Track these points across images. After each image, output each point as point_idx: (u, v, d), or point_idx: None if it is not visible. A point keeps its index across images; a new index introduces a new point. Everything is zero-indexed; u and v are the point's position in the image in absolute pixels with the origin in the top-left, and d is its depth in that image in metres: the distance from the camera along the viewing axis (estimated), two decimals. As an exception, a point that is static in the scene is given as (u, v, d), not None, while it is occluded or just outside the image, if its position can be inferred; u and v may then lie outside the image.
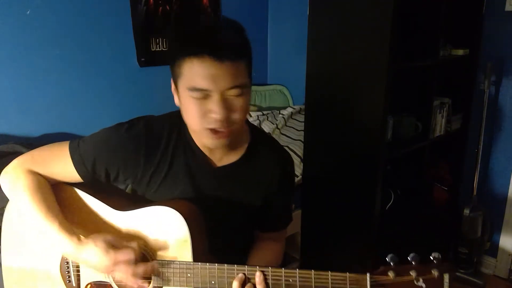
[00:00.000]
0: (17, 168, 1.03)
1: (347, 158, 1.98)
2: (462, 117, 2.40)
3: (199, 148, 1.03)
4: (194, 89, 0.89)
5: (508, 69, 2.27)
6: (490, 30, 2.27)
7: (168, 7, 2.46)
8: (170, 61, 0.94)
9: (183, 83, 0.91)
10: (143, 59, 2.39)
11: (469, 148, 2.44)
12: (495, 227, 2.44)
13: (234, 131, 0.95)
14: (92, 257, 0.94)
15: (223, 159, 1.06)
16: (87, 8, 2.14)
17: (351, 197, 1.99)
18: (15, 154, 1.74)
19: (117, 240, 0.96)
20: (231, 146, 1.05)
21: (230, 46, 0.88)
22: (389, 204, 2.17)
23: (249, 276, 0.92)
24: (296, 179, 2.27)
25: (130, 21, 2.31)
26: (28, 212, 0.99)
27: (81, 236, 0.99)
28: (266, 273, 0.91)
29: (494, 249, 2.46)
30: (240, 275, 0.91)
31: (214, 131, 0.93)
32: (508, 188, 2.37)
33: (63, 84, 2.14)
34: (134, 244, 0.95)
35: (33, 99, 2.06)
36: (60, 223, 0.98)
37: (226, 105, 0.90)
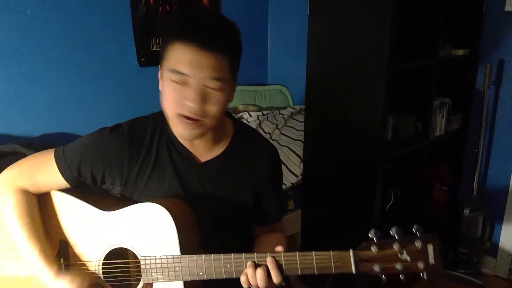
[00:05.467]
0: (5, 184, 1.03)
1: (347, 158, 1.98)
2: (462, 117, 2.40)
3: (181, 144, 1.04)
4: (175, 72, 0.90)
5: (508, 69, 2.27)
6: (490, 30, 2.27)
7: (168, 7, 2.46)
8: (160, 48, 0.96)
9: (166, 64, 0.93)
10: (143, 59, 2.39)
11: (469, 148, 2.44)
12: (495, 227, 2.44)
13: (206, 124, 0.95)
14: None
15: (206, 154, 1.07)
16: (87, 8, 2.14)
17: (351, 197, 1.99)
18: (15, 154, 1.74)
19: (95, 277, 0.98)
20: (213, 140, 1.05)
21: (218, 38, 0.90)
22: (389, 204, 2.17)
23: (236, 264, 0.93)
24: (296, 179, 2.27)
25: (130, 21, 2.32)
26: (13, 234, 1.00)
27: (60, 265, 1.00)
28: (252, 259, 0.92)
29: (494, 249, 2.46)
30: (249, 262, 0.92)
31: (185, 118, 0.93)
32: (508, 188, 2.37)
33: (63, 84, 2.14)
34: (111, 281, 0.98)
35: (33, 99, 2.06)
36: (40, 249, 0.99)
37: (203, 95, 0.91)
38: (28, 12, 1.97)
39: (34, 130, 2.08)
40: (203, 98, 0.92)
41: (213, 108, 0.94)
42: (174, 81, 0.91)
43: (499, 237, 2.44)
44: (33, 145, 1.84)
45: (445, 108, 2.24)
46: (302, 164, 2.25)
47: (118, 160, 1.02)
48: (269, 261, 0.91)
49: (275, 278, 0.91)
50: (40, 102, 2.08)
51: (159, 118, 1.05)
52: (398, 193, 2.21)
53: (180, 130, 0.96)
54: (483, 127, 2.30)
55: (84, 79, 2.21)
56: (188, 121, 0.93)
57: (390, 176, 2.07)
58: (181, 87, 0.91)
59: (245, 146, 1.10)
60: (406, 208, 2.20)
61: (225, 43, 0.91)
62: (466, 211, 2.29)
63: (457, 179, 2.50)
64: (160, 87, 0.99)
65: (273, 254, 0.92)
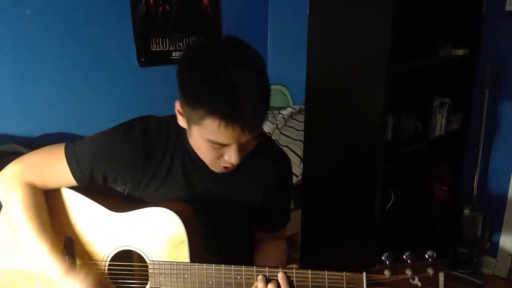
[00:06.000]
0: (13, 178, 1.01)
1: (347, 158, 1.98)
2: (462, 117, 2.40)
3: (197, 155, 1.01)
4: (215, 143, 0.88)
5: (508, 69, 2.27)
6: (490, 30, 2.27)
7: (168, 7, 2.46)
8: (184, 97, 0.87)
9: (201, 132, 0.88)
10: (143, 59, 2.39)
11: (469, 148, 2.44)
12: (495, 227, 2.44)
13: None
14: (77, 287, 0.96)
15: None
16: (87, 8, 2.15)
17: (351, 197, 1.99)
18: (15, 154, 1.74)
19: (105, 275, 0.99)
20: None
21: (260, 115, 0.87)
22: (389, 204, 2.17)
23: (246, 276, 0.92)
24: (296, 179, 2.27)
25: (130, 21, 2.32)
26: (20, 229, 0.99)
27: (70, 258, 1.00)
28: (264, 273, 0.92)
29: (494, 249, 2.47)
30: (261, 276, 0.92)
31: (225, 167, 0.96)
32: (508, 188, 2.37)
33: (63, 84, 2.14)
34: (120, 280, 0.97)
35: (33, 99, 2.06)
36: (50, 245, 0.97)
37: (242, 150, 0.91)
38: (28, 12, 1.97)
39: (34, 130, 2.08)
40: (243, 152, 0.92)
41: (248, 152, 0.95)
42: (213, 145, 0.89)
43: (499, 237, 2.44)
44: (33, 145, 1.84)
45: (445, 108, 2.24)
46: (302, 164, 2.25)
47: (132, 165, 1.01)
48: (280, 277, 0.91)
49: None
50: (40, 102, 2.08)
51: (175, 125, 1.00)
52: (398, 193, 2.21)
53: (216, 171, 0.99)
54: (483, 127, 2.30)
55: (84, 79, 2.21)
56: (227, 168, 0.96)
57: (390, 176, 2.07)
58: (221, 148, 0.90)
59: (258, 155, 1.07)
60: (406, 208, 2.20)
61: (264, 114, 0.88)
62: (466, 211, 2.30)
63: (457, 179, 2.50)
64: (181, 123, 0.95)
65: (285, 270, 0.91)
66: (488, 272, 2.49)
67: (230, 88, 0.81)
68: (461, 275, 2.36)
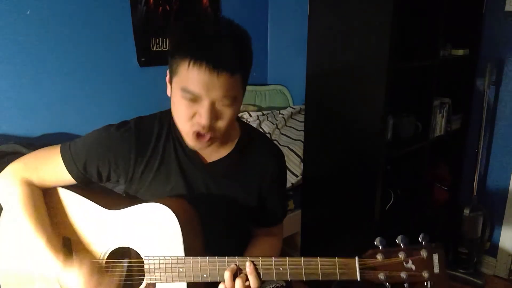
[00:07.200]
0: (11, 177, 1.03)
1: (347, 158, 1.98)
2: (462, 117, 2.40)
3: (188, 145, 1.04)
4: (186, 91, 0.90)
5: (508, 69, 2.27)
6: (490, 30, 2.27)
7: (168, 7, 2.46)
8: (169, 54, 0.95)
9: (177, 81, 0.92)
10: (143, 59, 2.40)
11: (469, 148, 2.44)
12: (495, 227, 2.44)
13: (215, 137, 0.97)
14: (75, 280, 0.96)
15: (212, 155, 1.07)
16: (87, 8, 2.15)
17: (351, 197, 1.99)
18: (15, 154, 1.74)
19: (101, 268, 0.99)
20: (220, 142, 1.06)
21: (231, 59, 0.89)
22: (389, 204, 2.17)
23: (241, 267, 0.93)
24: (296, 179, 2.27)
25: (130, 21, 2.32)
26: (19, 225, 1.00)
27: (67, 255, 1.00)
28: (256, 262, 0.93)
29: (494, 249, 2.46)
30: (232, 265, 0.93)
31: (196, 133, 0.95)
32: (508, 188, 2.37)
33: (63, 84, 2.14)
34: (116, 276, 0.97)
35: (33, 99, 2.06)
36: (47, 239, 0.99)
37: (214, 112, 0.92)
38: (28, 12, 1.97)
39: (34, 130, 2.09)
40: (215, 115, 0.92)
41: (222, 124, 0.95)
42: (186, 98, 0.91)
43: (499, 237, 2.44)
44: (33, 145, 1.84)
45: (445, 108, 2.24)
46: (302, 164, 2.25)
47: (124, 158, 1.02)
48: (249, 267, 0.92)
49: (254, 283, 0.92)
50: (40, 102, 2.08)
51: (168, 116, 1.05)
52: (398, 193, 2.21)
53: (189, 142, 0.98)
54: (483, 127, 2.30)
55: (84, 79, 2.21)
56: (199, 137, 0.95)
57: (390, 176, 2.07)
58: (194, 104, 0.91)
59: (251, 149, 1.10)
60: (406, 208, 2.20)
61: (240, 64, 0.91)
62: (466, 211, 2.30)
63: (457, 179, 2.50)
64: (168, 93, 0.99)
65: (278, 259, 0.92)
66: (488, 272, 2.49)
67: (204, 37, 0.89)
68: (461, 275, 2.36)
